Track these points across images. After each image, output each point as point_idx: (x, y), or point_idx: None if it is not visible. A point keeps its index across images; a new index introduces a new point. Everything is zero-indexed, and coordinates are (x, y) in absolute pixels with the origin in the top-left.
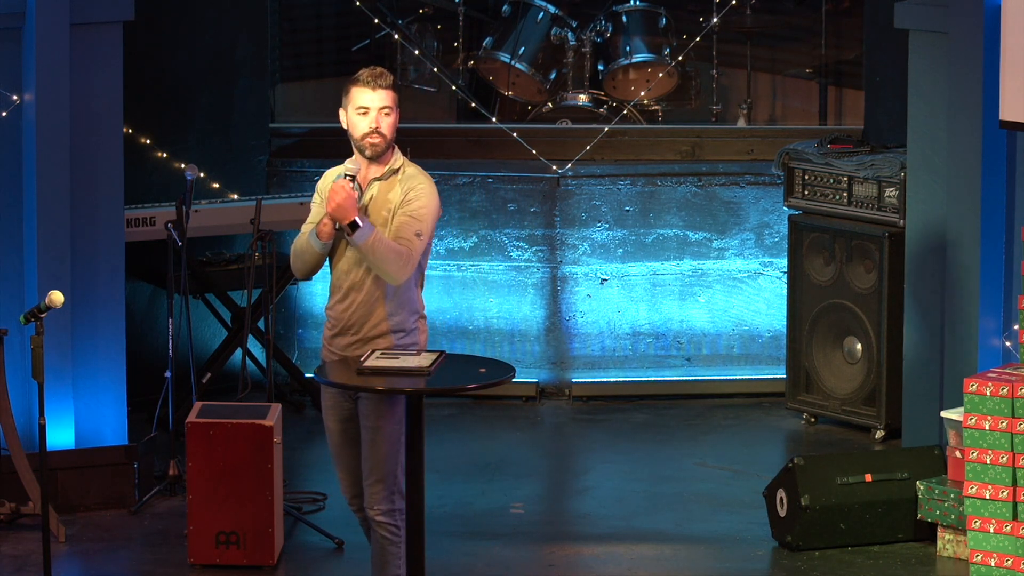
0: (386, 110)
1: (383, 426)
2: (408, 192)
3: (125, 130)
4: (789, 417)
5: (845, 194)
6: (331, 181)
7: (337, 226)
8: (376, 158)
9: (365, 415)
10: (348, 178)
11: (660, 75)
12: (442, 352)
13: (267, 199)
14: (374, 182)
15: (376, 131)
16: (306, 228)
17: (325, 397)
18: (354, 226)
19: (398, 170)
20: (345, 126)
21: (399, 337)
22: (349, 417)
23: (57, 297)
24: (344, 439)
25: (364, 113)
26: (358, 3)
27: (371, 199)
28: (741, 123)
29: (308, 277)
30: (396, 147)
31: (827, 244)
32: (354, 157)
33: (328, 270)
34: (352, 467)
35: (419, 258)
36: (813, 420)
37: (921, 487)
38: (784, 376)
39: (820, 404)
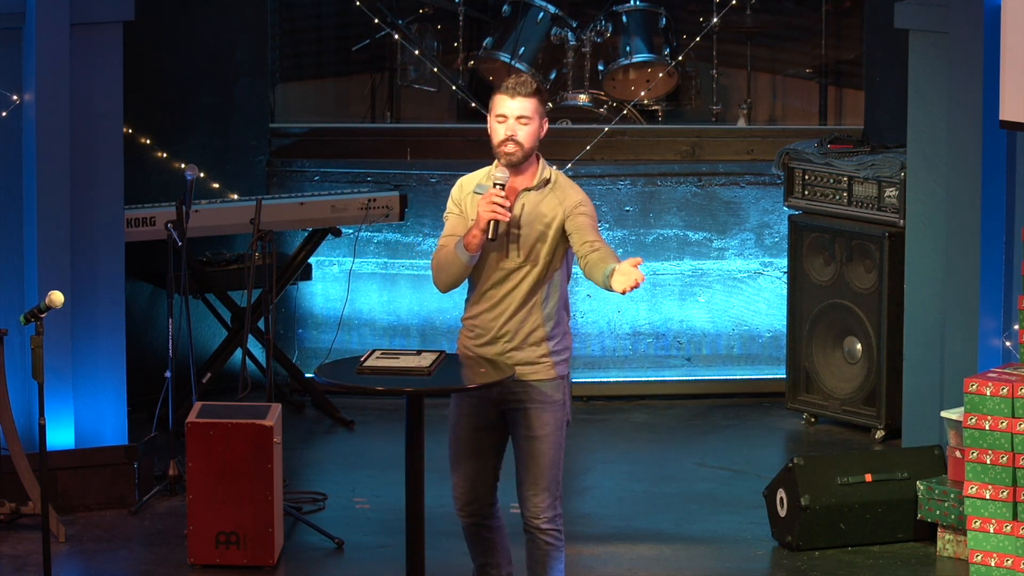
0: (524, 119)
1: (547, 434)
2: (567, 199)
3: (125, 130)
4: (789, 417)
5: (845, 194)
6: (468, 192)
7: (491, 236)
8: (514, 166)
9: (524, 425)
10: (499, 187)
11: (660, 75)
12: (442, 352)
13: (267, 199)
14: (525, 192)
15: (511, 139)
16: (446, 241)
17: (461, 404)
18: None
19: (549, 180)
20: (490, 133)
21: (554, 343)
22: (487, 426)
23: (57, 297)
24: (474, 448)
25: (502, 121)
26: (358, 3)
27: (522, 208)
28: (741, 123)
29: (452, 289)
30: (542, 157)
31: (827, 244)
32: (503, 168)
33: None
34: (473, 475)
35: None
36: (813, 420)
37: (921, 487)
38: (784, 376)
39: (820, 404)
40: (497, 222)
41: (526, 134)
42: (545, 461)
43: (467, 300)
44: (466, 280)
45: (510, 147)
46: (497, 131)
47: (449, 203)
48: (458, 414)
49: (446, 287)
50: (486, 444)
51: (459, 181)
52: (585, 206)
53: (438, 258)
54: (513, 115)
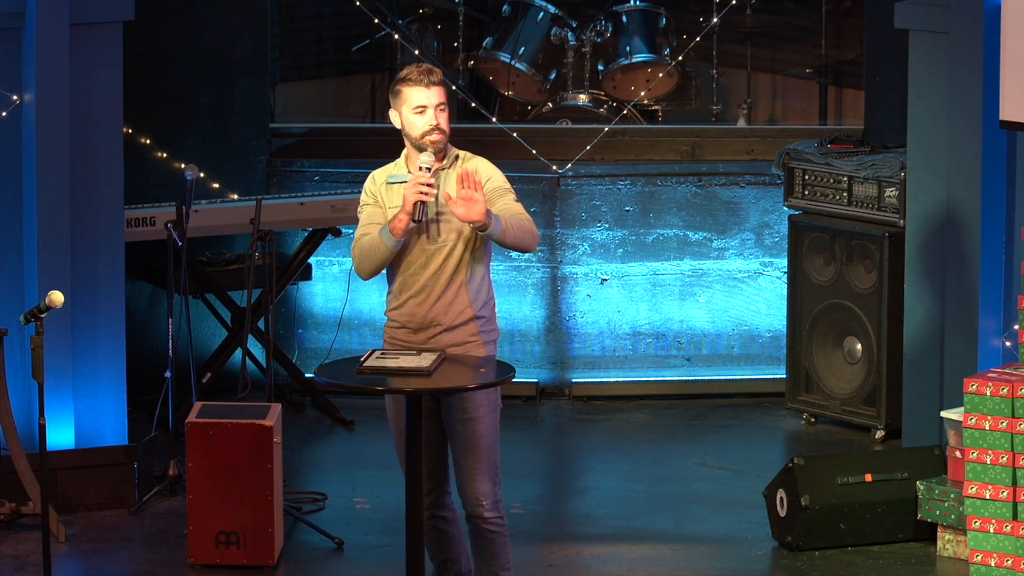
0: (442, 106)
1: (483, 416)
2: (479, 175)
3: (125, 130)
4: (789, 417)
5: (845, 194)
6: (381, 183)
7: (416, 218)
8: (438, 152)
9: (459, 408)
10: (426, 170)
11: (660, 75)
12: (442, 352)
13: (267, 199)
14: (440, 172)
15: (436, 128)
16: (367, 230)
17: (396, 398)
18: (484, 226)
19: (458, 157)
20: (399, 126)
21: (482, 323)
22: (427, 414)
23: (57, 297)
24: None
25: (421, 112)
26: (358, 3)
27: (440, 189)
28: (741, 123)
29: (374, 276)
30: None
31: (827, 244)
32: (428, 152)
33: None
34: (426, 466)
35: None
36: (813, 420)
37: (921, 487)
38: (784, 376)
39: (820, 404)
40: (424, 204)
41: (446, 120)
42: (483, 444)
43: (389, 293)
44: (389, 274)
45: (436, 136)
46: (416, 122)
47: (363, 196)
48: (396, 408)
49: (369, 274)
50: (431, 432)
51: (371, 175)
52: (495, 179)
53: (361, 246)
54: (432, 104)
